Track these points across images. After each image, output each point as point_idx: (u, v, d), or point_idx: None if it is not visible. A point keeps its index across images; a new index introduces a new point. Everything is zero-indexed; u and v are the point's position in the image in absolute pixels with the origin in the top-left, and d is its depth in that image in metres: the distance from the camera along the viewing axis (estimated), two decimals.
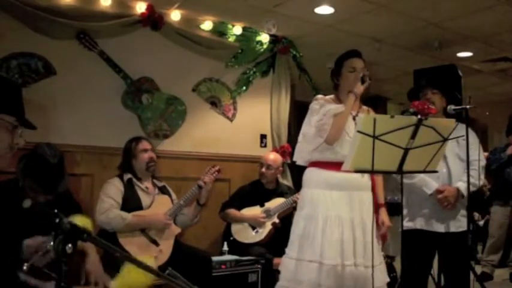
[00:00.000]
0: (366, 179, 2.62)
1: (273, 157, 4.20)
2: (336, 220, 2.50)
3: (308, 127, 2.63)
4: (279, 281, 2.65)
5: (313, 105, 2.66)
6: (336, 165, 2.41)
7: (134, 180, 3.37)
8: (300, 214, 2.62)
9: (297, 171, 4.85)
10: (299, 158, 2.74)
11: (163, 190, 3.52)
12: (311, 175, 2.66)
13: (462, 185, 2.88)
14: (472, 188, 2.93)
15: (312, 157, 2.65)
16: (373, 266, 2.36)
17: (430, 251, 3.00)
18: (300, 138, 2.70)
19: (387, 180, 3.44)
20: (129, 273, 1.58)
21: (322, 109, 2.59)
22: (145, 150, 3.43)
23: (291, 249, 2.59)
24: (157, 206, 3.36)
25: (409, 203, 3.05)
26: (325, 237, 2.46)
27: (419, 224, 2.96)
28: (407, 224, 3.01)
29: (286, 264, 2.59)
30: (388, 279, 2.67)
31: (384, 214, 2.72)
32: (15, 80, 3.31)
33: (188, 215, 3.51)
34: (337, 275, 2.42)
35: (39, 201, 2.60)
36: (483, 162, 3.09)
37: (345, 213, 2.52)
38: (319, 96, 2.73)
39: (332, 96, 2.74)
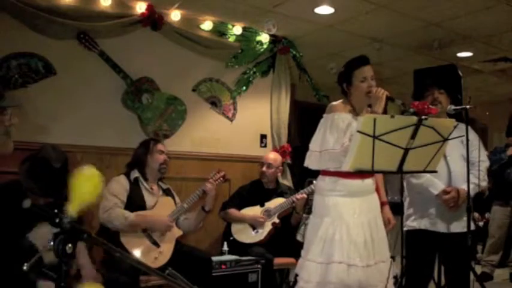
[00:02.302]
0: (373, 181, 2.71)
1: (273, 156, 4.22)
2: (359, 224, 2.58)
3: (332, 143, 2.56)
4: (300, 285, 2.64)
5: (336, 120, 2.60)
6: (354, 174, 2.50)
7: (141, 179, 3.37)
8: (323, 221, 2.63)
9: (297, 172, 4.87)
10: (314, 166, 2.70)
11: (167, 192, 3.52)
12: (331, 184, 2.66)
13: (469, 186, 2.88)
14: (476, 189, 2.93)
15: (328, 167, 2.65)
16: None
17: (433, 251, 3.01)
18: (317, 147, 2.64)
19: (387, 180, 3.44)
20: (78, 191, 1.53)
21: (349, 129, 2.55)
22: (162, 152, 3.45)
23: (313, 253, 2.60)
24: (161, 207, 3.36)
25: (413, 202, 3.05)
26: (352, 240, 2.53)
27: (423, 224, 2.97)
28: (411, 224, 3.02)
29: (308, 267, 2.60)
30: (397, 271, 2.74)
31: (388, 212, 2.85)
32: None
33: (191, 220, 3.50)
34: (363, 275, 2.50)
35: (40, 203, 2.59)
36: (486, 163, 3.08)
37: (364, 217, 2.61)
38: (336, 105, 2.68)
39: (342, 101, 2.72)
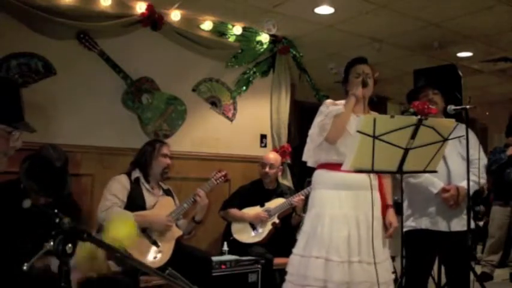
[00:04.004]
0: (372, 178, 2.65)
1: (274, 156, 4.23)
2: (342, 218, 2.58)
3: (312, 127, 2.72)
4: (285, 277, 2.71)
5: (321, 108, 2.73)
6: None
7: (142, 179, 3.37)
8: (309, 213, 2.71)
9: (297, 172, 4.87)
10: (307, 158, 2.81)
11: (167, 193, 3.52)
12: (319, 177, 2.74)
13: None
14: (474, 187, 2.94)
15: (319, 159, 2.73)
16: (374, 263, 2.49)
17: (434, 251, 3.01)
18: (308, 139, 2.77)
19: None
20: (113, 228, 1.53)
21: (326, 111, 2.66)
22: (165, 156, 3.44)
23: (298, 247, 2.67)
24: (160, 207, 3.36)
25: (413, 203, 3.05)
26: (332, 235, 2.54)
27: (424, 223, 2.96)
28: (411, 224, 3.02)
29: (293, 260, 2.67)
30: (393, 276, 2.72)
31: (391, 215, 2.80)
32: (14, 80, 3.29)
33: (182, 228, 3.47)
34: (343, 272, 2.48)
35: (40, 203, 2.59)
36: (484, 161, 3.09)
37: (351, 212, 2.59)
38: (328, 101, 2.78)
39: (343, 101, 2.76)
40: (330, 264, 2.49)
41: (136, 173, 3.37)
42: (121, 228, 1.50)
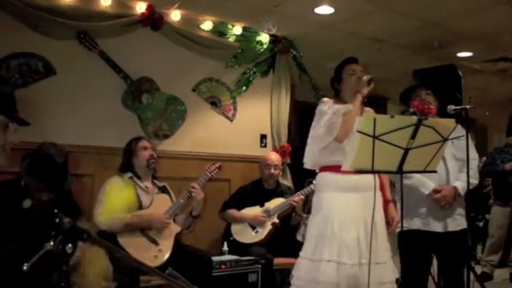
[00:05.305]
0: (375, 179, 2.65)
1: (276, 157, 4.23)
2: (351, 220, 2.57)
3: (317, 128, 2.66)
4: (292, 281, 2.68)
5: (321, 107, 2.71)
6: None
7: (135, 179, 3.37)
8: (316, 217, 2.67)
9: (297, 172, 4.87)
10: (308, 161, 2.77)
11: (163, 190, 3.52)
12: (325, 179, 2.71)
13: (459, 184, 2.89)
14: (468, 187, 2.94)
15: (323, 161, 2.70)
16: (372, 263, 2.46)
17: (428, 251, 3.01)
18: (309, 140, 2.73)
19: None
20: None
21: (331, 109, 2.64)
22: (145, 148, 3.43)
23: (305, 250, 2.64)
24: (157, 205, 3.35)
25: (405, 204, 3.04)
26: (343, 237, 2.53)
27: (415, 224, 2.96)
28: (404, 225, 3.01)
29: (301, 264, 2.64)
30: (397, 275, 2.72)
31: (392, 210, 2.84)
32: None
33: (180, 223, 3.47)
34: (355, 274, 2.48)
35: (43, 199, 2.59)
36: (477, 161, 3.11)
37: (359, 214, 2.59)
38: (326, 99, 2.78)
39: (332, 100, 2.77)
40: (342, 267, 2.48)
41: (128, 174, 3.37)
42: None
